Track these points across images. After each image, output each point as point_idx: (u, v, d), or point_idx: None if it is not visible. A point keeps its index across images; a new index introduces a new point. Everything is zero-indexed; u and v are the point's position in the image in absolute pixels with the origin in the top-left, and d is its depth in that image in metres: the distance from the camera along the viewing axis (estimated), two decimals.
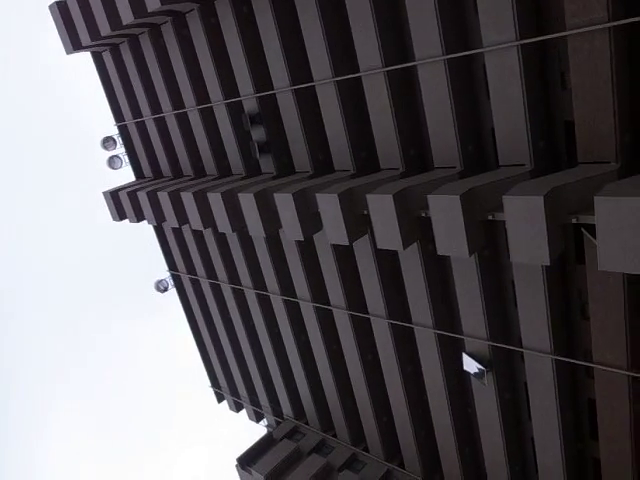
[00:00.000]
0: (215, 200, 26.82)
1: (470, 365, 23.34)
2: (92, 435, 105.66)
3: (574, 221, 16.03)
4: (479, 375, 23.20)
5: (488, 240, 20.16)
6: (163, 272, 40.75)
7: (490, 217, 17.84)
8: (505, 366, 23.57)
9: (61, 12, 32.50)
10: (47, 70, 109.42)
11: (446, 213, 17.88)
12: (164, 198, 30.85)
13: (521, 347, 21.94)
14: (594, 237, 15.94)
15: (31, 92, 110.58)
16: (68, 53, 34.21)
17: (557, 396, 21.44)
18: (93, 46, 33.67)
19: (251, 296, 34.04)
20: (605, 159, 17.13)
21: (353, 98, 23.65)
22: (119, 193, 35.64)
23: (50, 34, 35.05)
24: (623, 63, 16.51)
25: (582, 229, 17.25)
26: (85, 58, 36.81)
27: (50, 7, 33.11)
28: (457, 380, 25.65)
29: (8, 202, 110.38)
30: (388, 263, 25.08)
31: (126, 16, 28.32)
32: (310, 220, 23.24)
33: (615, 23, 15.63)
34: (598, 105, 16.69)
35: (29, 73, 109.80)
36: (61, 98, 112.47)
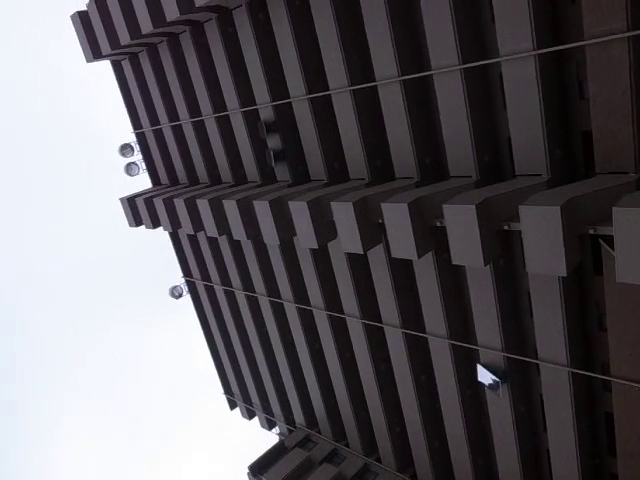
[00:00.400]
0: (230, 207, 26.99)
1: (485, 376, 23.09)
2: (105, 440, 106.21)
3: (592, 232, 15.87)
4: (494, 386, 22.94)
5: (504, 250, 20.02)
6: (178, 278, 41.07)
7: (506, 227, 17.71)
8: (520, 378, 23.28)
9: (82, 21, 33.14)
10: (67, 78, 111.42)
11: (461, 223, 17.78)
12: (180, 205, 31.11)
13: (537, 359, 21.67)
14: (612, 248, 15.74)
15: (51, 100, 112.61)
16: (88, 61, 34.85)
17: (573, 409, 21.10)
18: (113, 55, 34.24)
19: (265, 304, 34.10)
20: (623, 169, 16.94)
21: (369, 107, 23.70)
22: (136, 199, 36.03)
23: (71, 43, 35.71)
24: None
25: (600, 240, 17.04)
26: (105, 66, 37.41)
27: (72, 16, 33.77)
28: (471, 391, 25.38)
29: (28, 209, 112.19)
30: (402, 272, 24.98)
31: (145, 26, 28.78)
32: (325, 228, 23.26)
33: (634, 33, 15.50)
34: (616, 115, 16.54)
35: (50, 81, 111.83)
36: (81, 106, 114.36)
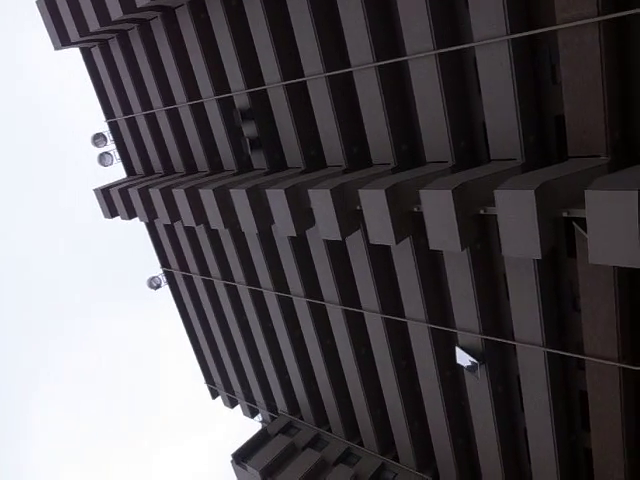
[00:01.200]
0: (207, 196, 26.75)
1: (463, 358, 23.48)
2: (84, 433, 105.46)
3: (565, 215, 16.14)
4: (472, 368, 23.35)
5: (480, 234, 20.26)
6: (156, 269, 40.67)
7: (482, 211, 17.92)
8: (498, 359, 23.73)
9: (49, 8, 32.19)
10: (35, 67, 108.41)
11: (438, 208, 17.94)
12: (156, 195, 30.71)
13: (513, 340, 22.10)
14: (585, 231, 16.06)
15: (19, 89, 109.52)
16: (56, 49, 33.93)
17: (549, 388, 21.63)
18: (82, 42, 33.38)
19: (244, 292, 34.03)
20: (595, 153, 17.23)
21: (345, 93, 23.61)
22: (110, 190, 35.44)
23: (38, 30, 34.74)
24: (613, 57, 16.59)
25: (573, 223, 17.36)
26: (74, 54, 36.54)
27: (37, 2, 32.79)
28: (450, 373, 25.81)
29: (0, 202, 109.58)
30: (381, 258, 25.14)
31: (115, 11, 28.10)
32: (302, 216, 23.23)
33: (605, 17, 15.69)
34: (588, 99, 16.78)
35: (17, 69, 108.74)
36: (50, 95, 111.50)
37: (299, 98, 25.17)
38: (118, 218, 36.57)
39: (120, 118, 36.03)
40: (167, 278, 40.66)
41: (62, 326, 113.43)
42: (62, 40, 32.88)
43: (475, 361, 23.08)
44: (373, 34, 21.07)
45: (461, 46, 19.40)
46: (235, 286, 34.67)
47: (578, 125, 17.32)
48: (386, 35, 21.50)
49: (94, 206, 37.21)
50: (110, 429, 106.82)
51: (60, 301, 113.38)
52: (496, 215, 17.15)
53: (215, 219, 27.28)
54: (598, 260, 15.22)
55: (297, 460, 32.63)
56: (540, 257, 16.55)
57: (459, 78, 20.53)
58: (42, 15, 32.96)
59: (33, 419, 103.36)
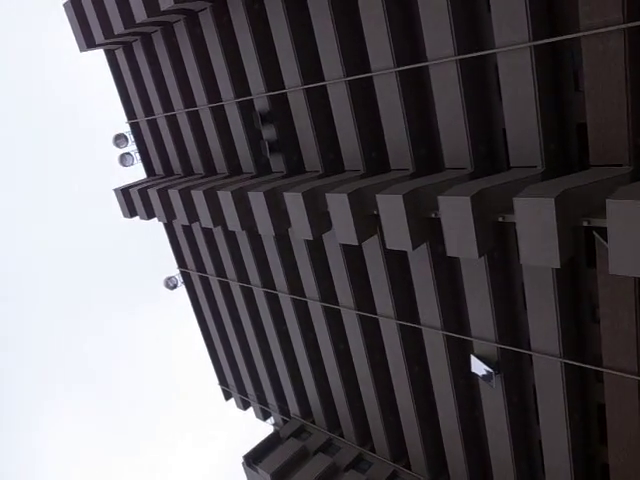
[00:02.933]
0: (225, 198, 26.92)
1: (478, 367, 23.23)
2: (99, 432, 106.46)
3: (585, 224, 15.92)
4: (487, 377, 23.09)
5: (498, 242, 20.08)
6: (173, 269, 41.02)
7: (500, 219, 17.75)
8: (513, 369, 23.44)
9: (75, 10, 32.80)
10: (60, 68, 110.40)
11: (456, 214, 17.81)
12: (175, 196, 31.00)
13: (530, 350, 21.81)
14: (605, 240, 15.81)
15: (45, 90, 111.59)
16: (82, 51, 34.53)
17: (566, 400, 21.29)
18: (106, 44, 33.93)
19: (260, 295, 34.13)
20: (617, 162, 16.98)
21: (364, 98, 23.62)
22: (130, 190, 35.86)
23: (64, 32, 35.34)
24: (638, 65, 16.35)
25: (593, 232, 17.11)
26: (99, 56, 37.12)
27: (65, 5, 33.42)
28: (465, 382, 25.55)
29: (22, 200, 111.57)
30: (397, 264, 25.03)
31: (139, 15, 28.52)
32: (320, 220, 23.24)
33: (630, 24, 15.48)
34: (611, 107, 16.55)
35: (43, 71, 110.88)
36: (74, 96, 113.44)
37: (319, 102, 25.25)
38: (137, 218, 36.98)
39: (141, 119, 36.49)
40: (184, 278, 40.97)
41: (77, 325, 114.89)
42: (87, 42, 33.45)
43: (490, 370, 22.83)
44: (394, 39, 21.06)
45: (483, 52, 19.29)
46: (251, 288, 34.79)
47: (600, 133, 17.09)
48: (407, 40, 21.48)
49: (114, 206, 37.69)
50: (122, 429, 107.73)
51: (76, 300, 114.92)
52: (515, 223, 16.98)
53: (232, 221, 27.44)
54: (619, 271, 14.97)
55: (308, 464, 32.54)
56: (559, 266, 16.33)
57: (480, 84, 20.41)
58: (68, 17, 33.59)
59: (45, 419, 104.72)
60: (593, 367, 20.23)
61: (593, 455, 23.29)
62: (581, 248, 19.64)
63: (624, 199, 14.31)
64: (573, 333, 20.95)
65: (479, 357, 23.22)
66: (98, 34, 32.20)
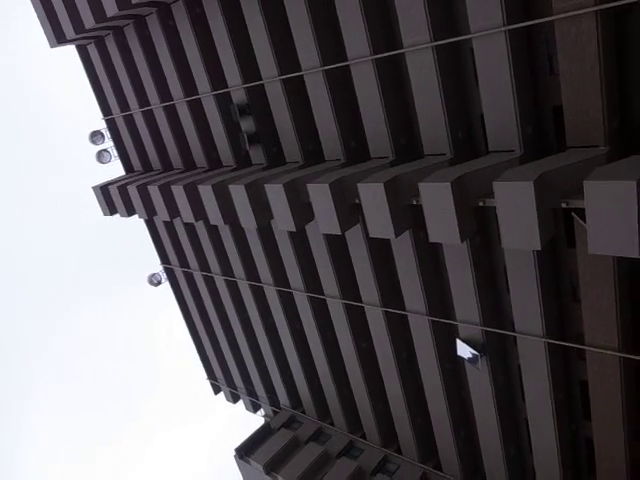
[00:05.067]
0: (206, 192, 26.72)
1: (464, 350, 23.55)
2: (85, 427, 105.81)
3: (564, 205, 16.14)
4: (473, 360, 23.42)
5: (479, 226, 20.25)
6: (156, 266, 40.69)
7: (481, 203, 17.91)
8: (498, 350, 23.81)
9: (44, 5, 32.04)
10: (31, 65, 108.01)
11: (437, 200, 17.93)
12: (154, 192, 30.69)
13: (514, 331, 22.16)
14: (584, 221, 16.06)
15: (15, 88, 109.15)
16: (52, 46, 33.79)
17: (550, 378, 21.71)
18: (78, 39, 33.25)
19: (245, 287, 34.07)
20: (594, 143, 17.21)
21: (342, 87, 23.55)
22: (109, 187, 35.41)
23: (33, 27, 34.57)
24: (610, 47, 16.54)
25: (572, 213, 17.36)
26: (70, 51, 36.37)
27: (32, 0, 32.61)
28: (451, 365, 25.89)
29: None
30: (380, 251, 25.16)
31: (110, 8, 27.98)
32: (302, 210, 23.22)
33: (601, 7, 15.63)
34: (586, 89, 16.74)
35: (12, 68, 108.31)
36: (47, 93, 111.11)
37: (296, 92, 25.10)
38: (117, 215, 36.55)
39: (117, 115, 35.95)
40: (167, 275, 40.70)
41: (60, 324, 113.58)
42: (58, 37, 32.74)
43: (476, 353, 23.15)
44: (370, 27, 20.98)
45: (458, 38, 19.33)
46: (235, 282, 34.70)
47: (576, 115, 17.29)
48: (383, 28, 21.41)
49: (93, 204, 37.19)
50: (110, 427, 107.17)
51: (58, 298, 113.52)
52: (495, 207, 17.15)
53: (214, 215, 27.27)
54: (597, 250, 15.23)
55: (300, 454, 32.81)
56: (540, 248, 16.56)
57: (456, 70, 20.47)
58: (37, 13, 32.82)
59: (30, 417, 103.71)
60: (575, 345, 20.63)
61: (578, 431, 23.84)
62: (561, 229, 19.93)
63: (601, 180, 14.52)
64: (555, 313, 21.32)
65: (465, 340, 23.53)
66: (68, 29, 31.53)
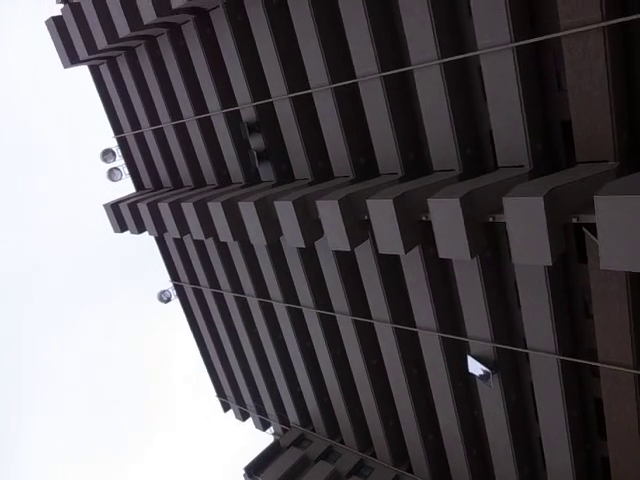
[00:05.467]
0: (216, 209, 26.88)
1: (475, 367, 23.30)
2: (93, 448, 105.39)
3: (575, 221, 16.05)
4: (484, 377, 23.15)
5: (490, 242, 20.19)
6: (166, 283, 40.82)
7: (491, 219, 17.85)
8: (510, 367, 23.53)
9: (58, 27, 32.73)
10: (45, 84, 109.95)
11: (446, 216, 17.90)
12: (165, 209, 30.92)
13: (526, 348, 21.91)
14: (595, 236, 15.95)
15: (30, 106, 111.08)
16: (66, 67, 34.44)
17: (563, 396, 21.39)
18: (90, 60, 33.87)
19: (254, 304, 34.04)
20: (603, 158, 17.17)
21: (350, 104, 23.73)
22: (119, 205, 35.73)
23: (48, 48, 35.25)
24: (618, 62, 16.58)
25: (583, 228, 17.25)
26: (83, 71, 37.08)
27: (47, 22, 33.35)
28: (463, 383, 25.60)
29: (11, 216, 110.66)
30: (390, 268, 25.08)
31: (122, 29, 28.52)
32: (311, 227, 23.27)
33: (609, 22, 15.70)
34: (594, 104, 16.75)
35: (27, 87, 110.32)
36: (60, 112, 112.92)
37: (305, 110, 25.33)
38: (128, 233, 36.82)
39: (128, 134, 36.42)
40: (177, 291, 40.79)
41: (75, 341, 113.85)
42: (71, 58, 33.38)
43: (487, 370, 22.89)
44: (378, 45, 21.20)
45: (465, 55, 19.47)
46: (245, 298, 34.70)
47: (585, 131, 17.28)
48: (391, 45, 21.63)
49: (104, 221, 37.51)
50: (121, 443, 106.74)
51: (71, 317, 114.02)
52: (505, 223, 17.09)
53: (224, 232, 27.39)
54: (610, 266, 15.10)
55: (310, 473, 32.40)
56: (551, 264, 16.44)
57: (464, 86, 20.58)
58: (51, 34, 33.51)
59: (31, 432, 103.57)
60: (589, 362, 20.35)
61: (593, 450, 23.39)
62: (572, 244, 19.80)
63: (612, 195, 14.45)
64: (568, 329, 21.08)
65: (476, 357, 23.29)
66: (81, 50, 32.17)
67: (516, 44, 17.71)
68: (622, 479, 20.89)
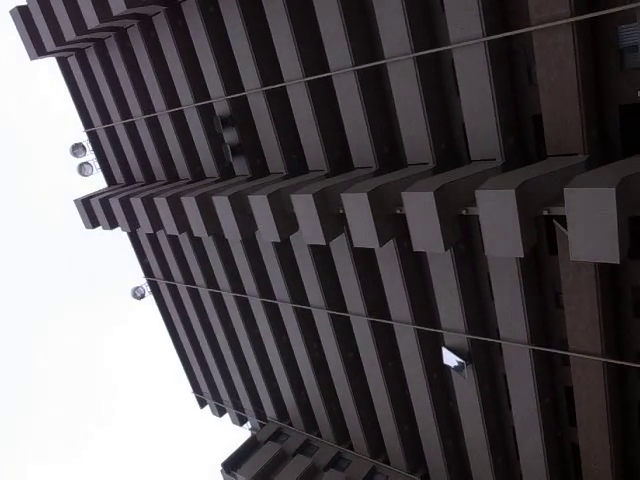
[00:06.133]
0: (189, 204, 26.56)
1: (450, 359, 23.58)
2: (73, 445, 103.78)
3: (545, 213, 16.33)
4: (459, 368, 23.46)
5: (463, 235, 20.40)
6: (140, 279, 40.26)
7: (464, 212, 18.04)
8: (484, 358, 23.89)
9: (23, 17, 31.82)
10: (10, 78, 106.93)
11: (420, 209, 18.02)
12: (137, 204, 30.42)
13: (499, 339, 22.27)
14: (565, 228, 16.25)
15: None
16: (32, 59, 33.54)
17: (535, 385, 21.82)
18: (58, 51, 33.01)
19: (229, 300, 33.82)
20: (573, 151, 17.48)
21: (325, 98, 23.65)
22: (91, 200, 35.05)
23: (13, 39, 34.29)
24: (587, 57, 16.86)
25: (554, 220, 17.56)
26: (51, 63, 36.14)
27: (11, 12, 32.39)
28: (438, 374, 25.90)
29: None
30: (365, 261, 25.17)
31: (91, 20, 27.85)
32: (286, 221, 23.18)
33: (578, 18, 15.96)
34: (564, 99, 17.02)
35: None
36: (28, 105, 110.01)
37: (279, 104, 25.16)
38: (100, 228, 36.16)
39: (99, 127, 35.68)
40: (151, 287, 40.26)
41: (45, 337, 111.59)
42: (38, 50, 32.50)
43: (462, 361, 23.20)
44: (351, 39, 21.16)
45: (438, 49, 19.57)
46: (220, 294, 34.44)
47: (555, 124, 17.56)
48: (364, 40, 21.60)
49: (75, 217, 36.76)
50: (93, 440, 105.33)
51: (42, 314, 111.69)
52: (478, 215, 17.28)
53: (198, 227, 27.09)
54: (579, 257, 15.41)
55: (288, 467, 32.46)
56: (522, 255, 16.70)
57: (437, 80, 20.69)
58: (16, 25, 32.56)
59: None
60: (559, 351, 20.79)
61: (564, 436, 23.95)
62: (543, 236, 20.14)
63: (581, 187, 14.73)
64: (539, 320, 21.47)
65: (450, 349, 23.57)
66: (49, 41, 31.32)
67: (488, 38, 17.87)
68: (592, 464, 21.45)
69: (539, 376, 21.82)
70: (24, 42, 32.88)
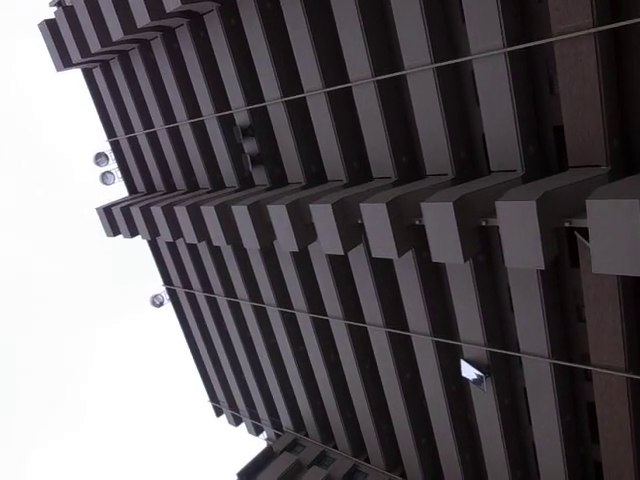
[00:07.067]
0: (209, 213, 26.81)
1: (468, 371, 23.29)
2: (90, 451, 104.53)
3: (567, 225, 16.13)
4: (478, 381, 23.15)
5: (482, 246, 20.23)
6: (158, 287, 40.63)
7: (483, 223, 17.91)
8: (503, 371, 23.54)
9: (50, 30, 32.63)
10: (36, 89, 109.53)
11: (440, 220, 17.93)
12: (157, 213, 30.80)
13: (519, 352, 21.94)
14: (587, 240, 16.02)
15: (21, 111, 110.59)
16: (58, 70, 34.32)
17: (556, 400, 21.41)
18: (83, 63, 33.77)
19: (247, 309, 33.93)
20: (595, 163, 17.27)
21: (344, 108, 23.77)
22: (112, 209, 35.57)
23: (41, 51, 35.14)
24: (610, 67, 16.70)
25: (575, 232, 17.32)
26: (76, 75, 36.96)
27: (39, 25, 33.23)
28: (456, 387, 25.58)
29: (3, 221, 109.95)
30: (383, 272, 25.07)
31: (116, 33, 28.46)
32: (304, 231, 23.24)
33: (600, 28, 15.83)
34: (586, 109, 16.85)
35: (17, 92, 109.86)
36: (52, 115, 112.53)
37: (299, 114, 25.34)
38: (120, 236, 36.65)
39: (122, 137, 36.30)
40: (170, 295, 40.60)
41: (64, 344, 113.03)
42: (64, 62, 33.27)
43: (481, 374, 22.90)
44: (371, 49, 21.27)
45: (458, 60, 19.56)
46: (238, 303, 34.58)
47: (577, 135, 17.38)
48: (384, 50, 21.70)
49: (96, 225, 37.33)
50: (112, 449, 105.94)
51: (61, 320, 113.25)
52: (498, 226, 17.14)
53: (217, 236, 27.31)
54: (601, 269, 15.16)
55: (303, 478, 32.20)
56: (543, 267, 16.49)
57: (457, 91, 20.66)
58: (44, 37, 33.40)
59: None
60: (581, 366, 20.41)
61: (586, 453, 23.42)
62: (564, 248, 19.87)
63: (603, 199, 14.53)
64: (560, 333, 21.13)
65: (469, 361, 23.29)
66: (75, 53, 32.06)
67: (509, 49, 17.82)
68: None
69: (560, 391, 21.41)
70: (51, 54, 33.70)
